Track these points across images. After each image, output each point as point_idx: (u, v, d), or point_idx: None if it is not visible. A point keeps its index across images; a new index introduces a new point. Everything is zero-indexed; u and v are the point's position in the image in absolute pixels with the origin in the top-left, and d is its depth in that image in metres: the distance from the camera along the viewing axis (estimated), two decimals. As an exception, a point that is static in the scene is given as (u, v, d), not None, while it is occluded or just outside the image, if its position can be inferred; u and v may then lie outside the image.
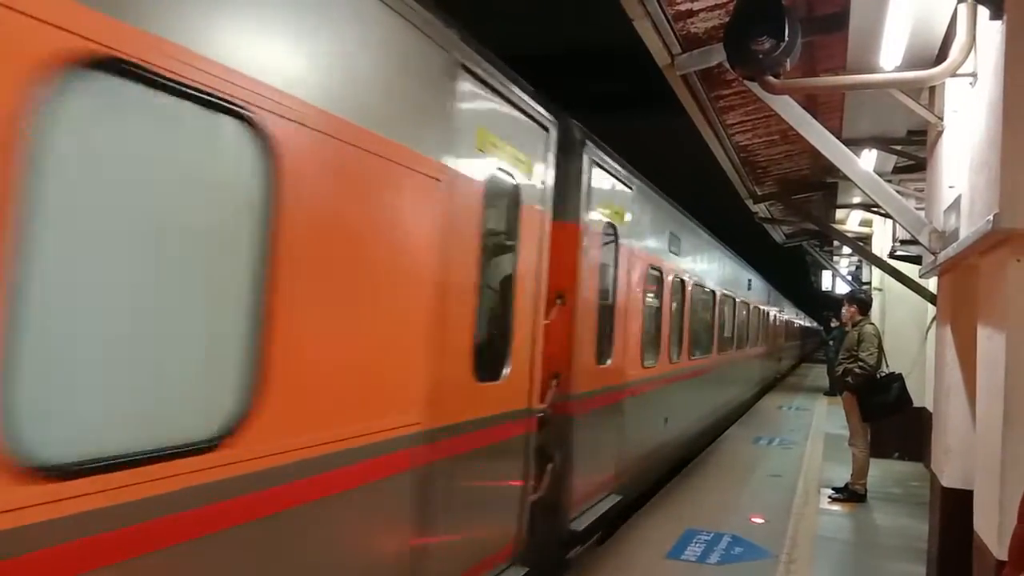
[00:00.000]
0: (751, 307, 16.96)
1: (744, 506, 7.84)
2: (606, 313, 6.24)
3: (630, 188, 6.86)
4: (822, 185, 10.93)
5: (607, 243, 6.29)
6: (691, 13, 5.51)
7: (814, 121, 5.42)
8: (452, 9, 3.60)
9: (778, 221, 14.20)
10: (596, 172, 5.84)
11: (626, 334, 6.75)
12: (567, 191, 5.34)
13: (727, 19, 4.98)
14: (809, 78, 6.29)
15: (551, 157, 4.96)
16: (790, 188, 11.61)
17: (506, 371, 4.41)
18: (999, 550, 3.22)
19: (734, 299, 14.35)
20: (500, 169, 4.20)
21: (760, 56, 4.41)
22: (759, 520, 7.29)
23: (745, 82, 5.13)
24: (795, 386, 25.45)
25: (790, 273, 31.60)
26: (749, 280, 16.40)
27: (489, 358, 4.26)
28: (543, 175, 4.84)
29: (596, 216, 5.90)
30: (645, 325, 7.53)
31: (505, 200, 4.47)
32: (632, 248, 6.89)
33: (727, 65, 5.08)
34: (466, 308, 3.85)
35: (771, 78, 4.69)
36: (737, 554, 6.22)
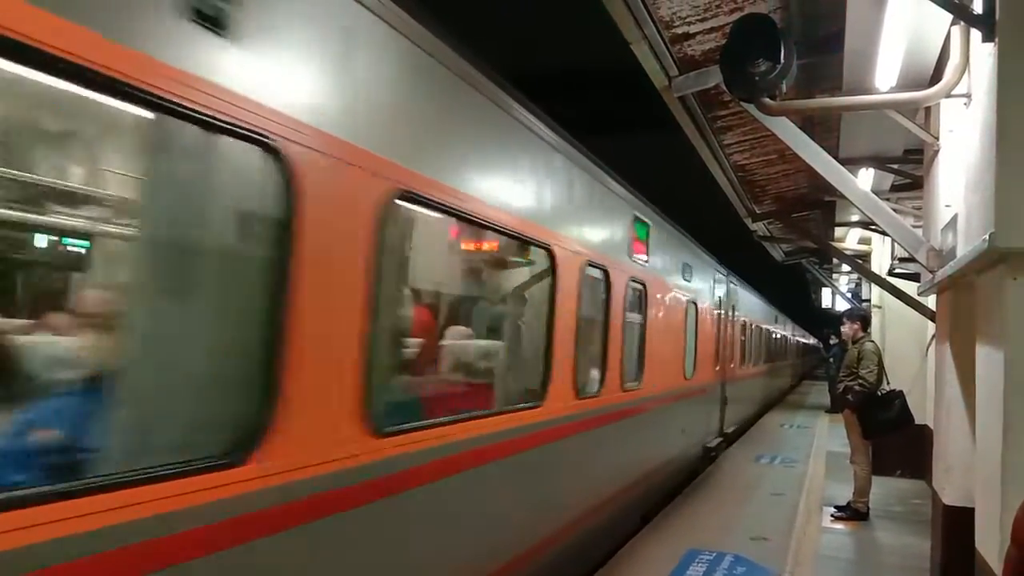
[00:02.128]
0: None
1: (746, 525, 7.81)
2: None
3: None
4: (820, 203, 10.98)
5: None
6: (688, 36, 5.58)
7: (811, 141, 5.47)
8: (454, 28, 3.69)
9: (777, 239, 14.24)
10: None
11: None
12: None
13: (724, 42, 5.04)
14: (805, 100, 6.35)
15: None
16: (788, 207, 11.65)
17: None
18: (1000, 568, 3.22)
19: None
20: None
21: (756, 78, 4.47)
22: (761, 539, 7.26)
23: (742, 103, 5.19)
24: (796, 404, 25.40)
25: (791, 290, 31.72)
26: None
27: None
28: None
29: None
30: None
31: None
32: None
33: (724, 87, 5.15)
34: None
35: (768, 100, 4.75)
36: (739, 574, 6.20)
